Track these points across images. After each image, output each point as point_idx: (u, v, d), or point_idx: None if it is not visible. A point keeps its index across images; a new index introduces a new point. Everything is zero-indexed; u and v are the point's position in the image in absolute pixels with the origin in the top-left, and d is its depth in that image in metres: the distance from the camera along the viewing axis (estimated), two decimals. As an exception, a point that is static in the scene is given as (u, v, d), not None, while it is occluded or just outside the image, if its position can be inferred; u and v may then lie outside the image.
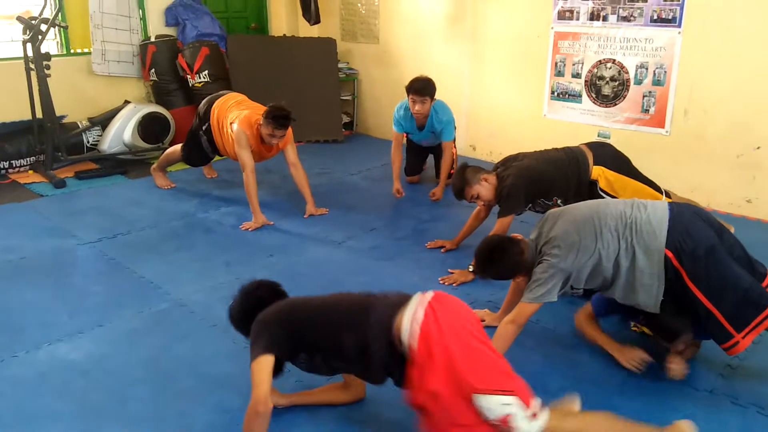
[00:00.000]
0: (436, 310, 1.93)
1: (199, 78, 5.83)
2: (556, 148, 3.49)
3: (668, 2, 4.33)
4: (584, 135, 4.60)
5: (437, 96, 4.55)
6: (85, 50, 5.81)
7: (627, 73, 4.65)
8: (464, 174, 3.36)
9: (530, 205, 3.42)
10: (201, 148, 4.62)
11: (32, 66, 4.90)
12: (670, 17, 4.35)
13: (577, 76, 4.93)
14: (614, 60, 4.70)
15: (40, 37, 4.83)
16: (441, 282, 3.34)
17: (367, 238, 3.98)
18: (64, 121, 5.42)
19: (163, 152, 5.10)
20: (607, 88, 4.79)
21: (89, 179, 5.13)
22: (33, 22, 4.81)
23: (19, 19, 4.87)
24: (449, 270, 3.45)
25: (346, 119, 6.72)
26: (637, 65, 4.59)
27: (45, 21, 4.85)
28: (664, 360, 2.46)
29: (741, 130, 4.20)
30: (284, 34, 6.67)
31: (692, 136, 4.43)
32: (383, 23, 6.27)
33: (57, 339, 2.79)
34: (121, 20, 5.78)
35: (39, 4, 5.07)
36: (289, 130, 4.14)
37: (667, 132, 4.54)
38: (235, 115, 4.22)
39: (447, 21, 5.71)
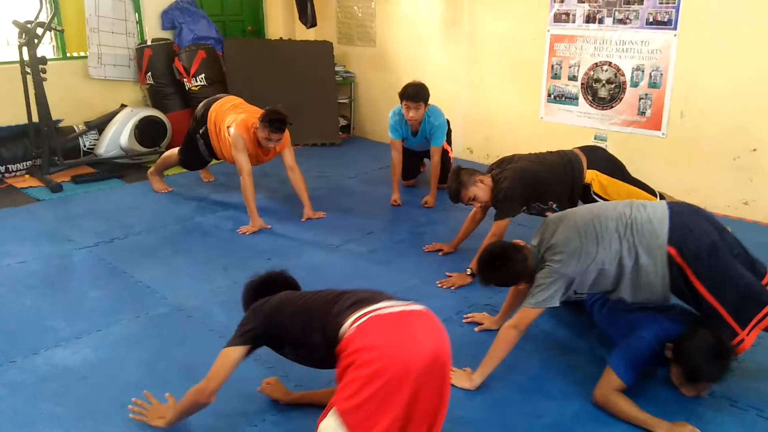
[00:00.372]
0: (389, 323, 1.85)
1: (196, 81, 5.82)
2: (551, 152, 3.49)
3: (664, 5, 4.35)
4: (581, 137, 4.60)
5: (434, 100, 4.54)
6: (82, 54, 5.80)
7: (623, 75, 4.66)
8: (459, 176, 3.35)
9: (525, 207, 3.42)
10: (198, 151, 4.61)
11: (28, 70, 4.89)
12: (665, 20, 4.37)
13: (573, 78, 4.94)
14: (610, 62, 4.71)
15: (36, 41, 4.82)
16: (439, 285, 3.34)
17: (365, 241, 3.97)
18: (61, 125, 5.41)
19: (159, 156, 5.09)
20: (603, 90, 4.80)
21: (86, 183, 5.11)
22: (29, 26, 4.80)
23: (15, 23, 4.86)
24: (447, 273, 3.45)
25: (343, 122, 6.73)
26: (633, 68, 4.60)
27: (41, 25, 4.85)
28: (668, 368, 2.41)
29: (737, 132, 4.21)
30: (281, 38, 6.67)
31: (689, 139, 4.43)
32: (380, 26, 6.28)
33: (55, 344, 2.78)
34: (117, 24, 5.77)
35: (35, 7, 5.07)
36: (286, 133, 4.14)
37: (663, 134, 4.55)
38: (232, 119, 4.21)
39: (443, 24, 5.72)
